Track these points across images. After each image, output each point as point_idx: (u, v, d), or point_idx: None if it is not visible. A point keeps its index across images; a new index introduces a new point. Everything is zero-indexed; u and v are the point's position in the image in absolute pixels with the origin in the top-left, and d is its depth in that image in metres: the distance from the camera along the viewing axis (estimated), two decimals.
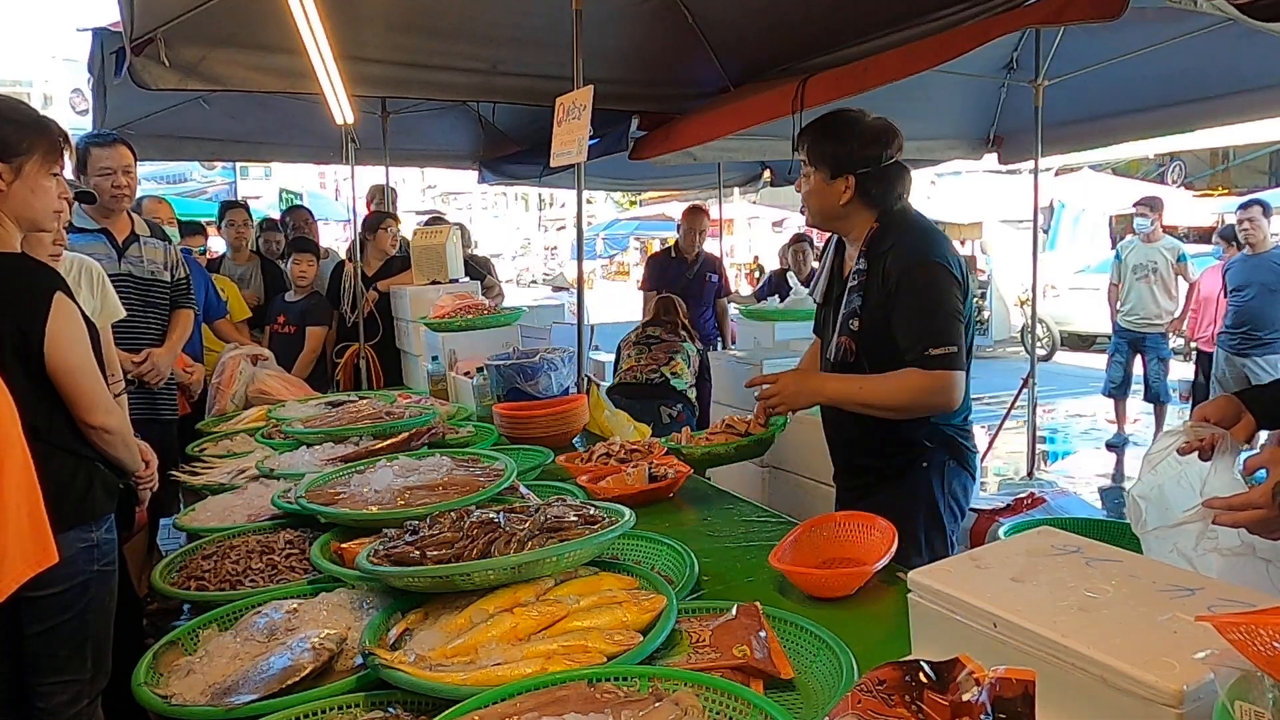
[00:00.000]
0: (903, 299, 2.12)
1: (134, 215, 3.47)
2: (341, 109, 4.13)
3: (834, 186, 2.20)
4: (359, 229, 5.10)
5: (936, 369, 2.06)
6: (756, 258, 19.05)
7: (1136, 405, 7.44)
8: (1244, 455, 1.47)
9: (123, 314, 2.88)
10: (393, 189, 6.67)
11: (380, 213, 5.51)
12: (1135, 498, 1.58)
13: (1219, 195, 14.69)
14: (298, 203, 8.31)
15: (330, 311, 5.02)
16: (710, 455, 2.00)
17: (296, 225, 6.07)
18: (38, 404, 1.94)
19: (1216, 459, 1.50)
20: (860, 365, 2.21)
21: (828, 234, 2.45)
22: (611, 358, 5.26)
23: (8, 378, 1.83)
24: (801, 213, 2.37)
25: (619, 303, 17.69)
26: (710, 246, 6.38)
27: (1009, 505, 3.77)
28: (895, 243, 2.17)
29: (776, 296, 5.52)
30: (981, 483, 5.03)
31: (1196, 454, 1.53)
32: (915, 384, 2.08)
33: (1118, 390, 7.20)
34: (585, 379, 3.59)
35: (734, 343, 6.10)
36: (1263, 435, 1.69)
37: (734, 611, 1.40)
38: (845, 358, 2.22)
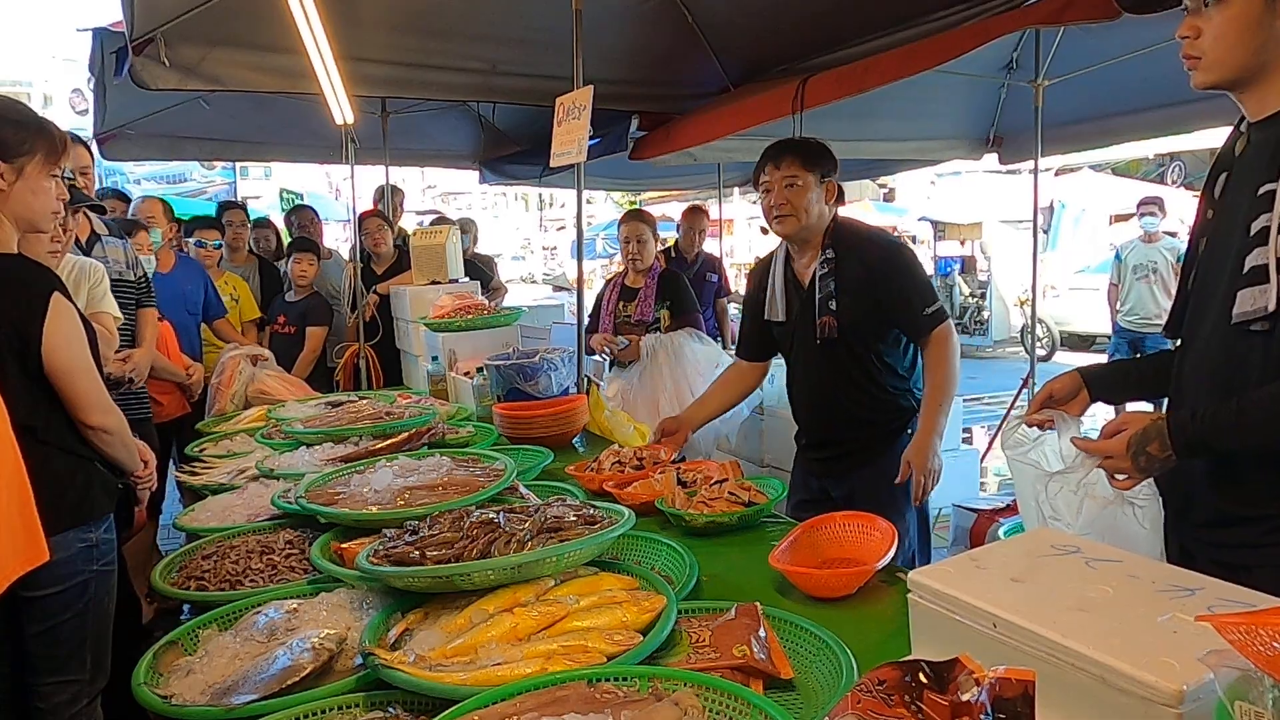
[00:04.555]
0: (889, 278, 2.51)
1: (91, 215, 3.44)
2: (341, 109, 4.14)
3: (821, 191, 2.57)
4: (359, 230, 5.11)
5: (938, 324, 2.49)
6: (757, 258, 19.03)
7: (1136, 405, 7.44)
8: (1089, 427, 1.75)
9: (118, 314, 2.90)
10: (399, 189, 6.64)
11: (366, 213, 5.49)
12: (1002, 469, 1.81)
13: None
14: (301, 203, 8.30)
15: (330, 311, 5.02)
16: (714, 524, 2.03)
17: (301, 225, 6.06)
18: (35, 404, 1.94)
19: (1060, 432, 1.74)
20: (841, 339, 2.55)
21: (771, 257, 2.80)
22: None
23: (5, 378, 1.83)
24: (774, 222, 2.62)
25: None
26: (710, 246, 6.38)
27: (1009, 505, 3.77)
28: (855, 234, 2.60)
29: None
30: (981, 483, 5.03)
31: (1038, 429, 1.79)
32: (943, 354, 2.48)
33: None
34: (585, 379, 3.59)
35: (734, 343, 6.09)
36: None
37: (734, 611, 1.40)
38: (829, 335, 2.56)
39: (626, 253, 4.34)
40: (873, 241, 2.59)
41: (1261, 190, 1.39)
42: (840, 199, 2.63)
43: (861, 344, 2.57)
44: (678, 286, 4.27)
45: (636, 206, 4.31)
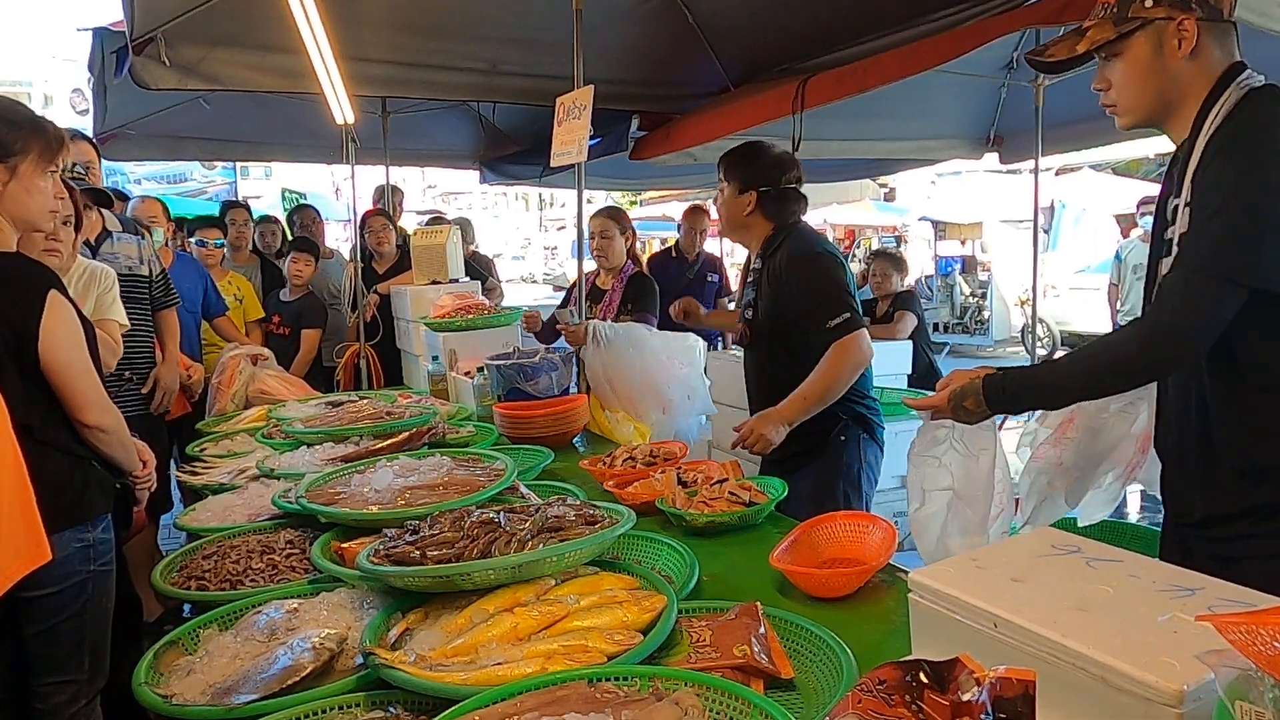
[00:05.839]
0: (794, 287, 2.54)
1: (103, 212, 3.42)
2: (341, 109, 4.14)
3: (740, 200, 2.64)
4: (359, 230, 5.12)
5: (839, 336, 2.46)
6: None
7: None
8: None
9: (125, 322, 2.91)
10: (399, 189, 6.65)
11: (370, 212, 5.51)
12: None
13: None
14: (303, 202, 8.31)
15: (325, 313, 5.01)
16: (714, 524, 2.03)
17: (303, 224, 6.08)
18: (32, 403, 1.94)
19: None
20: (756, 345, 2.68)
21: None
22: None
23: (1, 376, 1.83)
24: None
25: None
26: (710, 246, 6.38)
27: None
28: (783, 243, 2.62)
29: None
30: None
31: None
32: (834, 360, 2.46)
33: None
34: (585, 379, 3.58)
35: (735, 342, 6.08)
36: None
37: (734, 612, 1.40)
38: (742, 340, 2.71)
39: (594, 249, 4.20)
40: (790, 255, 2.58)
41: (1170, 205, 1.52)
42: (779, 212, 2.63)
43: (782, 349, 2.63)
44: (643, 289, 4.09)
45: (614, 206, 4.23)
